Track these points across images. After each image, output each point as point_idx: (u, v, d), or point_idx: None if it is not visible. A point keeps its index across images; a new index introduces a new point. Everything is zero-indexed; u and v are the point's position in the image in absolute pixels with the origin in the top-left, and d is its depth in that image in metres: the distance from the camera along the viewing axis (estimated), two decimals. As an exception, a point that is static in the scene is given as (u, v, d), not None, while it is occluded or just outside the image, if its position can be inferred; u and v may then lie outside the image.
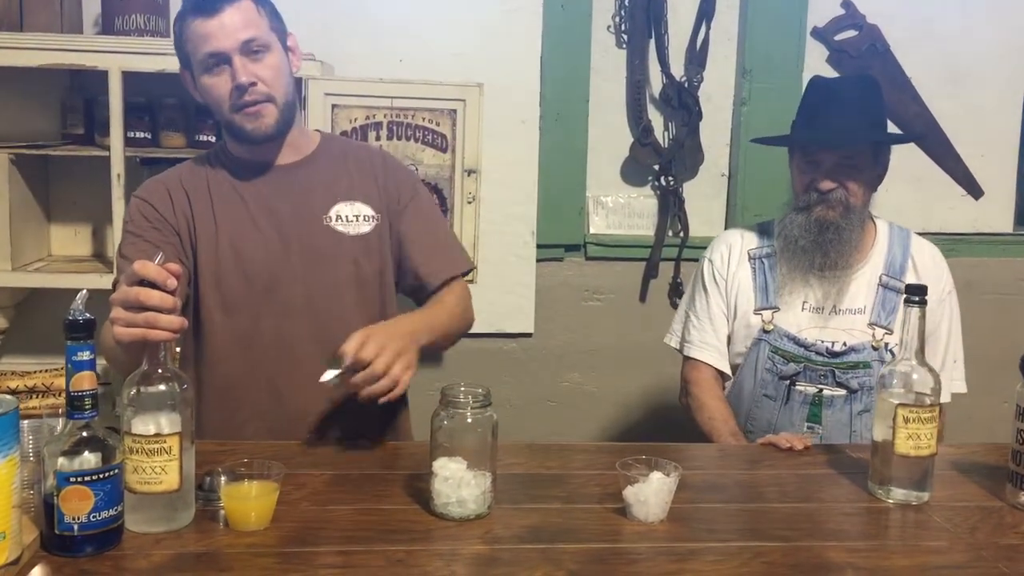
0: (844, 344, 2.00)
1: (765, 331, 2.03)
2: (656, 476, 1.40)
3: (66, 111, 2.73)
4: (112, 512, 1.22)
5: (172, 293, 1.33)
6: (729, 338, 2.11)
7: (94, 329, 1.22)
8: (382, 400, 1.55)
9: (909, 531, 1.44)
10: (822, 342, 2.00)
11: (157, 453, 1.26)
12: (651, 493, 1.39)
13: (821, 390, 2.00)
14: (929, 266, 2.08)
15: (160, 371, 1.30)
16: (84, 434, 1.22)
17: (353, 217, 1.83)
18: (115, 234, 2.56)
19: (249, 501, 1.32)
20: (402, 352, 1.56)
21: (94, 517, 1.20)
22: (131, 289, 1.33)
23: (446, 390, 1.40)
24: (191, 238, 1.78)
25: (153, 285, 1.32)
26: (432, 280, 1.88)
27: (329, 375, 1.54)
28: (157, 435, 1.27)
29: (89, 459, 1.21)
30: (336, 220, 1.82)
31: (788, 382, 2.01)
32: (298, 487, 1.47)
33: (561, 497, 1.49)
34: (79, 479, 1.19)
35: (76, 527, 1.20)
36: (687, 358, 2.16)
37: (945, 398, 2.08)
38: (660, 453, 1.51)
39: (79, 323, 1.20)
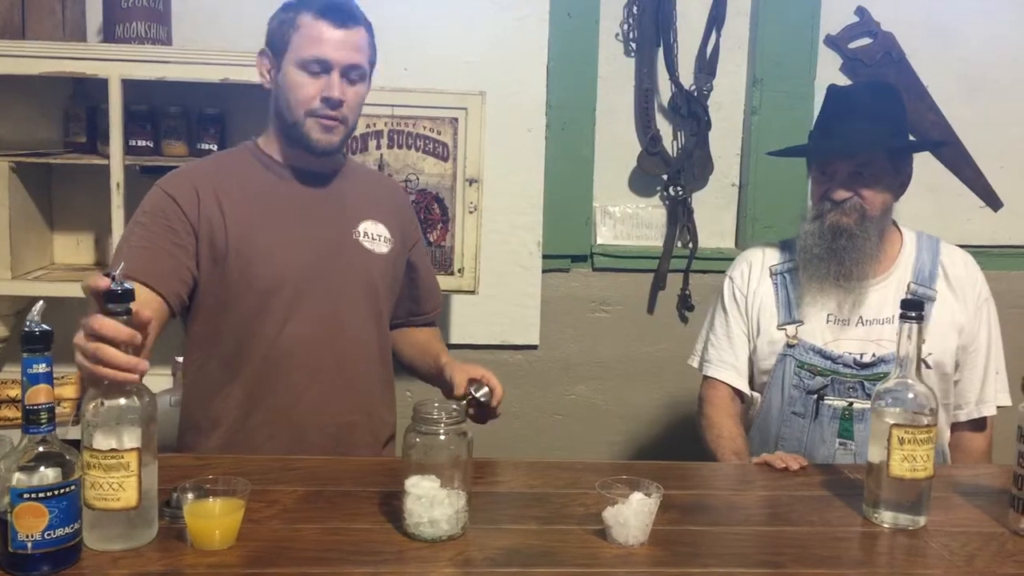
0: (873, 355, 1.94)
1: (790, 346, 1.98)
2: (636, 497, 1.35)
3: (68, 119, 2.72)
4: (68, 530, 1.19)
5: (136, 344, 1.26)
6: (753, 357, 2.06)
7: (51, 341, 1.19)
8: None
9: (901, 558, 1.38)
10: (849, 354, 1.95)
11: (115, 469, 1.23)
12: (631, 514, 1.34)
13: (851, 403, 1.93)
14: (961, 274, 2.02)
15: (123, 385, 1.26)
16: (41, 449, 1.19)
17: (377, 236, 1.87)
18: (116, 243, 2.54)
19: (212, 519, 1.28)
20: None
21: (49, 535, 1.17)
22: (94, 320, 1.24)
23: (419, 406, 1.36)
24: (213, 240, 1.74)
25: (117, 298, 1.24)
26: (429, 313, 2.08)
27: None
28: (114, 450, 1.23)
29: (47, 474, 1.18)
30: (363, 236, 1.85)
31: (816, 397, 1.95)
32: (269, 504, 1.43)
33: (540, 518, 1.44)
34: (33, 495, 1.16)
35: (30, 545, 1.17)
36: (705, 377, 2.12)
37: (990, 411, 2.03)
38: (647, 472, 1.46)
39: (35, 335, 1.17)
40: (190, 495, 1.31)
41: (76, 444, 1.40)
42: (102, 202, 2.57)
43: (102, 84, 2.50)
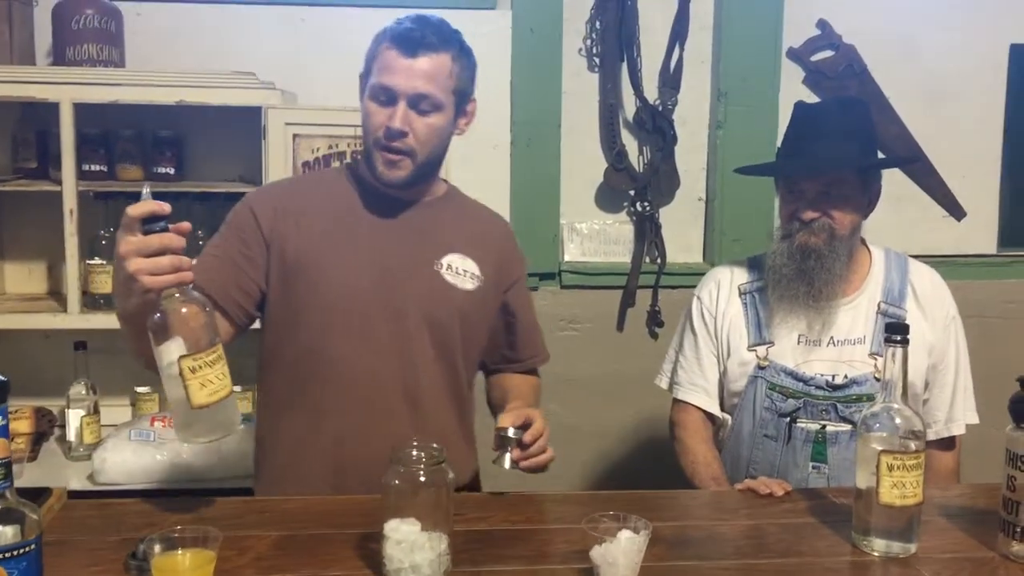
0: (845, 376, 1.91)
1: (760, 367, 1.95)
2: (625, 535, 1.31)
3: (17, 144, 2.62)
4: (29, 592, 1.12)
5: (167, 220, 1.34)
6: (723, 379, 2.03)
7: (7, 392, 1.12)
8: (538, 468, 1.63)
9: (894, 589, 1.35)
10: (822, 375, 1.92)
11: (217, 361, 1.34)
12: (620, 553, 1.29)
13: (824, 426, 1.90)
14: (929, 292, 2.00)
15: (179, 295, 1.34)
16: (-1, 506, 1.12)
17: (463, 271, 1.79)
18: (71, 271, 2.46)
19: (182, 574, 1.22)
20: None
21: (8, 599, 1.10)
22: (150, 237, 1.32)
23: (396, 447, 1.31)
24: (284, 255, 1.71)
25: (156, 218, 1.32)
26: (526, 360, 1.97)
27: (506, 460, 1.59)
28: (212, 345, 1.33)
29: (5, 533, 1.11)
30: (447, 269, 1.77)
31: (788, 420, 1.92)
32: (241, 552, 1.37)
33: (525, 557, 1.40)
34: (-10, 558, 1.09)
35: (-12, 610, 1.10)
36: (676, 400, 2.08)
37: (959, 430, 2.02)
38: (631, 503, 1.43)
39: (-11, 387, 1.10)
40: (157, 547, 1.24)
41: (30, 493, 1.34)
42: (55, 229, 2.49)
43: (53, 108, 2.42)
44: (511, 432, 1.58)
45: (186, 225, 1.37)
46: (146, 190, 1.36)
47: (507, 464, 1.58)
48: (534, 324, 2.00)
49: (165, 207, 1.33)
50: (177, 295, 1.34)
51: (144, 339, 1.36)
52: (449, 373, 1.79)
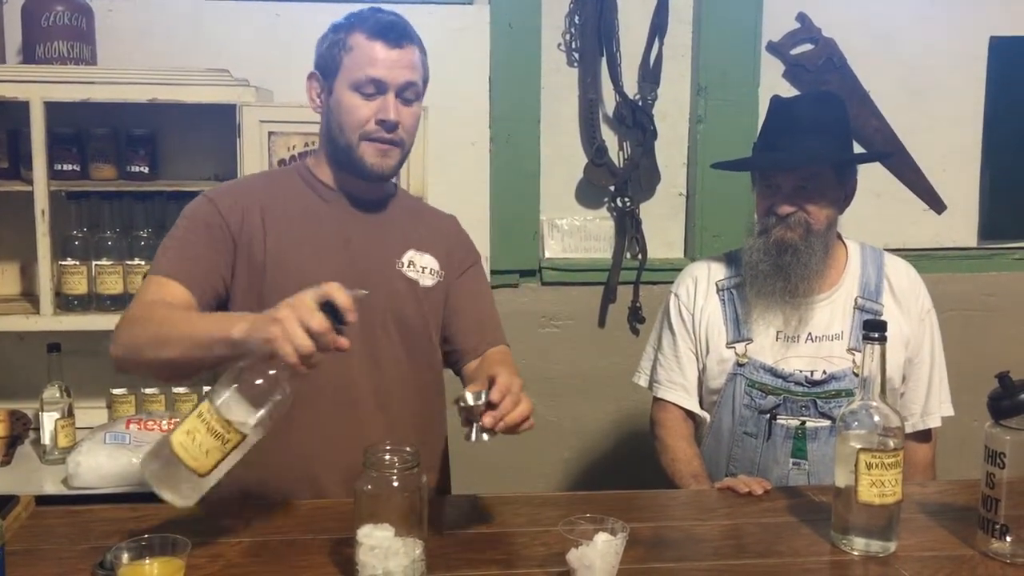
0: (824, 372, 1.90)
1: (740, 364, 1.93)
2: (601, 537, 1.29)
3: (-13, 144, 2.59)
4: (-10, 605, 1.09)
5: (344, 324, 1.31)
6: (702, 376, 2.01)
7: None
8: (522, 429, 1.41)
9: (875, 588, 1.34)
10: (800, 371, 1.91)
11: (215, 436, 1.25)
12: (596, 556, 1.28)
13: (804, 422, 1.89)
14: (905, 286, 2.00)
15: (274, 371, 1.29)
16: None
17: (423, 267, 1.77)
18: (43, 272, 2.43)
19: (150, 584, 1.20)
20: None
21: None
22: (318, 315, 1.28)
23: (369, 450, 1.29)
24: (251, 254, 1.68)
25: (335, 313, 1.29)
26: (471, 354, 1.82)
27: (477, 433, 1.37)
28: (227, 422, 1.25)
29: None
30: (408, 267, 1.76)
31: (768, 416, 1.91)
32: (212, 559, 1.34)
33: (501, 561, 1.38)
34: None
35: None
36: (656, 399, 2.06)
37: (935, 423, 2.01)
38: (609, 504, 1.42)
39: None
40: (125, 555, 1.21)
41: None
42: (27, 230, 2.46)
43: (23, 107, 2.38)
44: (470, 398, 1.37)
45: (344, 343, 1.32)
46: (363, 293, 1.35)
47: (481, 436, 1.36)
48: (484, 309, 1.88)
49: (350, 316, 1.30)
50: (286, 376, 1.29)
51: (201, 357, 1.38)
52: (418, 373, 1.77)
